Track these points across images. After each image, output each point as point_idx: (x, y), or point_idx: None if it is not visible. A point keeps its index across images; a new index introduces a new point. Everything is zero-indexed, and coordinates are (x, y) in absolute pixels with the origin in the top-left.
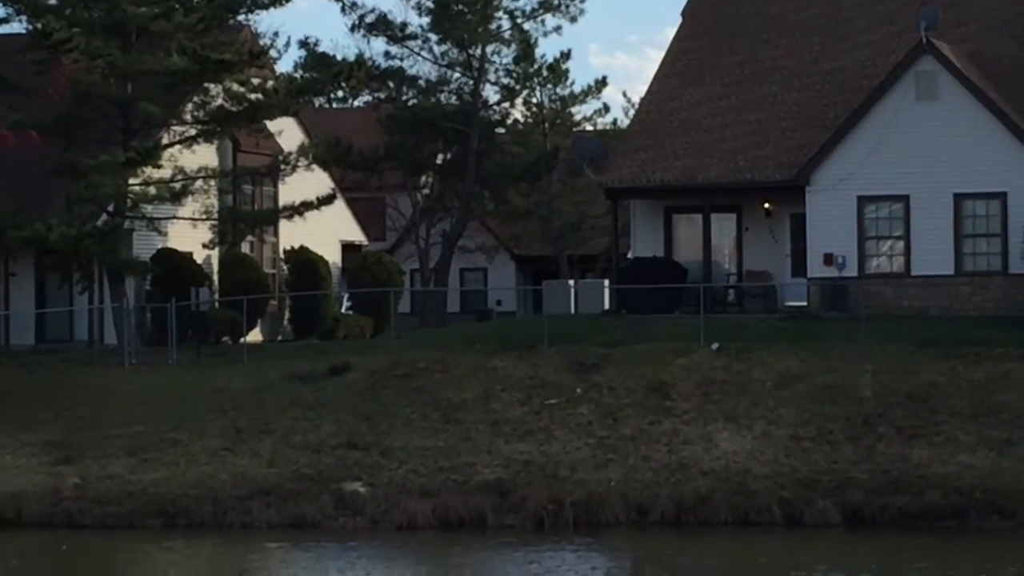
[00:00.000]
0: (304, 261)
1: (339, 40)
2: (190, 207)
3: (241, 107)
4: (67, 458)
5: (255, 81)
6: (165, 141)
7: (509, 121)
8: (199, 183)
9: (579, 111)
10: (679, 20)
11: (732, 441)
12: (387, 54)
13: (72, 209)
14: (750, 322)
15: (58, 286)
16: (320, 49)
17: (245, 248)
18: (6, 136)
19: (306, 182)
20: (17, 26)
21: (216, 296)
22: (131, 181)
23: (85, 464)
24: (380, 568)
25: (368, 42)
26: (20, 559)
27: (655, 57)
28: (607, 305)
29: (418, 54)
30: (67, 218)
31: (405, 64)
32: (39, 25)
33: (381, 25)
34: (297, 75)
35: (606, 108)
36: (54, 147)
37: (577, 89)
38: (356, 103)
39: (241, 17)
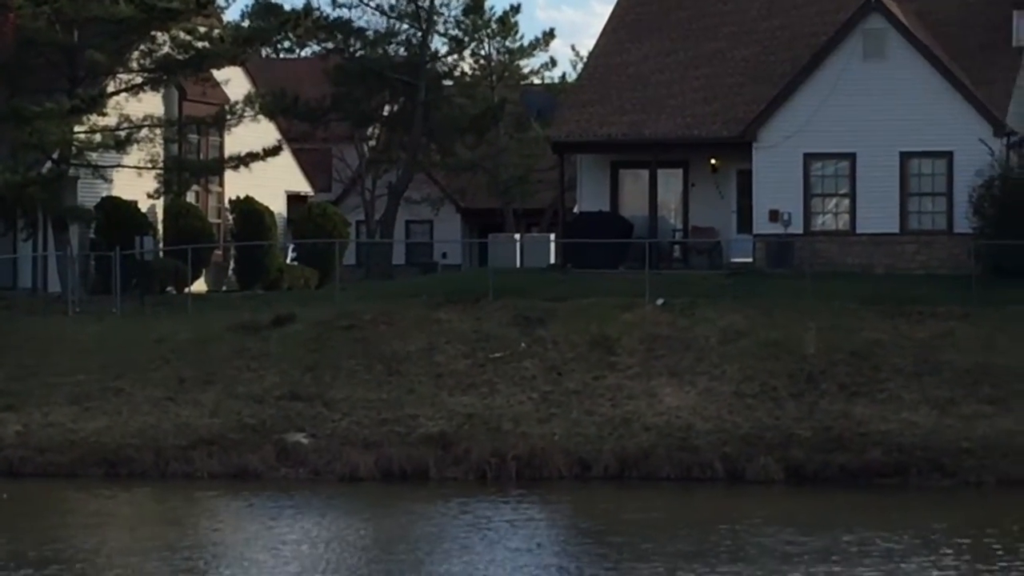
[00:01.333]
0: (249, 211)
1: None
2: (135, 155)
3: (187, 55)
4: (9, 406)
5: (202, 29)
6: (111, 89)
7: (457, 73)
8: (144, 131)
9: (527, 64)
10: None
11: (675, 397)
12: (335, 3)
13: (17, 156)
14: (695, 278)
15: (2, 233)
16: None
17: (190, 198)
18: None
19: (252, 132)
20: None
21: (160, 245)
22: (76, 129)
23: (27, 412)
24: (313, 517)
25: None
26: None
27: (601, 11)
28: (552, 259)
29: (366, 4)
30: (11, 165)
31: (353, 15)
32: None
33: None
34: (244, 24)
35: (553, 62)
36: None
37: (525, 42)
38: (303, 53)
39: None
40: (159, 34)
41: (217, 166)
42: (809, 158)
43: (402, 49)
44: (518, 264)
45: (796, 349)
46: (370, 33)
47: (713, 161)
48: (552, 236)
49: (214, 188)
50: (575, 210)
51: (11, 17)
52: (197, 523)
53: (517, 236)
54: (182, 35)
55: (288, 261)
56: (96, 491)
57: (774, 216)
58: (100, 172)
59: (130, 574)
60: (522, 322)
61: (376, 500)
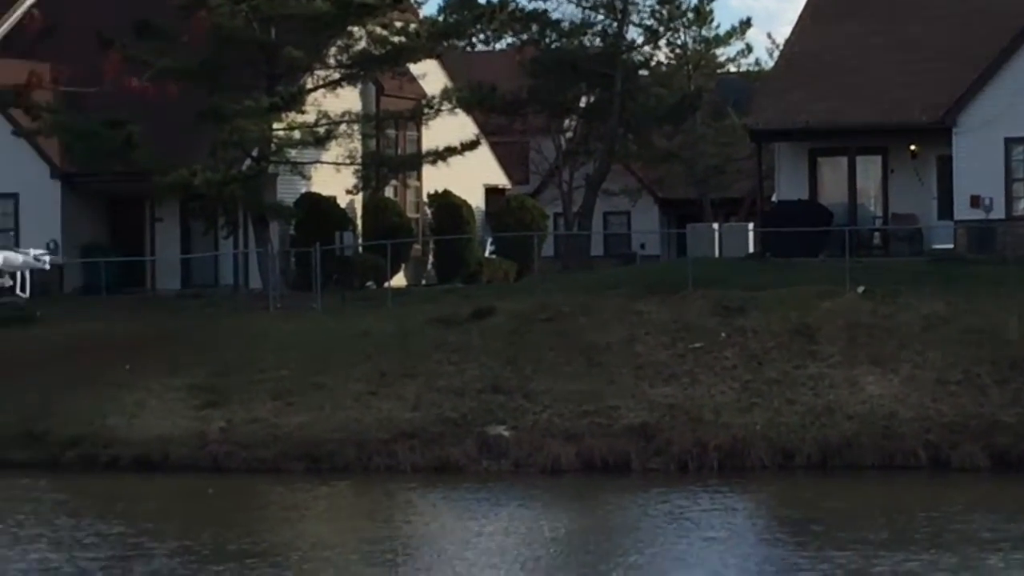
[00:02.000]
0: (448, 205)
1: None
2: (334, 151)
3: (384, 50)
4: (213, 402)
5: (398, 24)
6: (309, 85)
7: (653, 63)
8: (343, 127)
9: (723, 53)
10: None
11: (878, 385)
12: None
13: (217, 154)
14: (896, 265)
15: (203, 231)
16: None
17: (389, 192)
18: (146, 88)
19: (449, 126)
20: None
21: (360, 241)
22: (275, 126)
23: (231, 408)
24: (512, 509)
25: None
26: (169, 502)
27: None
28: (751, 248)
29: None
30: (212, 163)
31: (548, 6)
32: None
33: None
34: (440, 18)
35: (749, 49)
36: (198, 93)
37: (721, 31)
38: (499, 46)
39: None
40: (356, 29)
41: (415, 161)
42: (1010, 142)
43: (598, 40)
44: (716, 254)
45: (999, 335)
46: (565, 24)
47: (912, 147)
48: (751, 225)
49: (412, 183)
50: (773, 199)
51: (202, 17)
52: (396, 516)
53: (715, 225)
54: (379, 30)
55: (487, 254)
56: (298, 485)
57: (975, 202)
58: (299, 169)
59: (327, 567)
60: (722, 312)
61: (577, 492)
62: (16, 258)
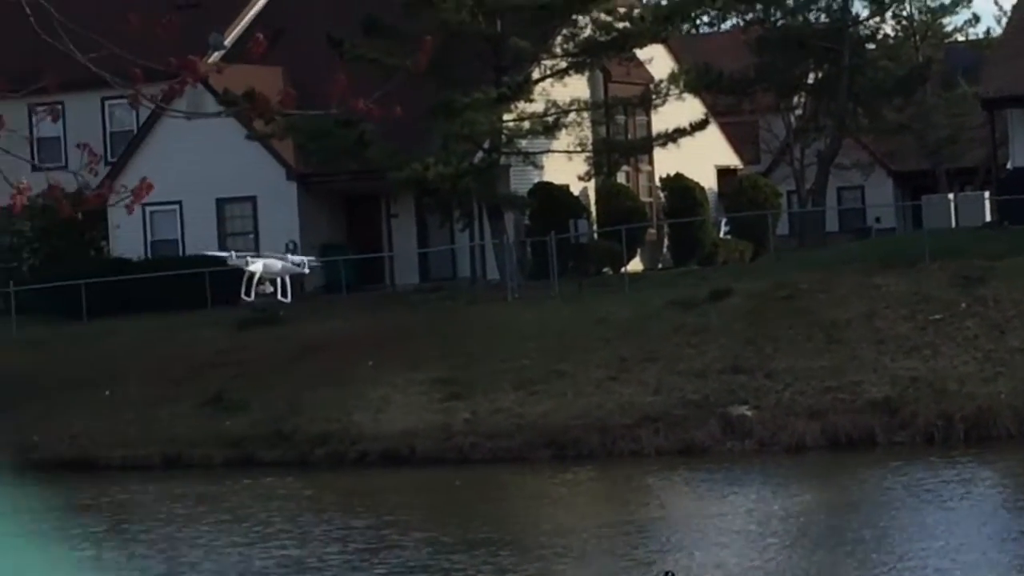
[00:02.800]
0: (680, 188)
1: None
2: (564, 140)
3: (610, 37)
4: (456, 394)
5: (622, 10)
6: (536, 75)
7: (879, 36)
8: (572, 115)
9: (950, 22)
10: None
11: None
12: None
13: (448, 147)
14: None
15: (439, 225)
16: None
17: (621, 178)
18: (371, 109)
19: (678, 109)
20: None
21: (594, 227)
22: (505, 117)
23: (474, 399)
24: (757, 489)
25: None
26: (416, 495)
27: None
28: (988, 217)
29: None
30: (444, 157)
31: None
32: None
33: None
34: (664, 1)
35: (976, 18)
36: (427, 88)
37: (947, 0)
38: (724, 27)
39: None
40: (580, 17)
41: (645, 145)
42: None
43: (823, 15)
44: (953, 224)
45: None
46: (790, 1)
47: None
48: (986, 194)
49: (644, 167)
50: (1008, 166)
51: (428, 45)
52: (639, 500)
53: (951, 196)
54: (603, 17)
55: (721, 235)
56: (543, 474)
57: None
58: (531, 158)
59: (568, 552)
60: (961, 282)
61: (821, 469)
62: (275, 264)
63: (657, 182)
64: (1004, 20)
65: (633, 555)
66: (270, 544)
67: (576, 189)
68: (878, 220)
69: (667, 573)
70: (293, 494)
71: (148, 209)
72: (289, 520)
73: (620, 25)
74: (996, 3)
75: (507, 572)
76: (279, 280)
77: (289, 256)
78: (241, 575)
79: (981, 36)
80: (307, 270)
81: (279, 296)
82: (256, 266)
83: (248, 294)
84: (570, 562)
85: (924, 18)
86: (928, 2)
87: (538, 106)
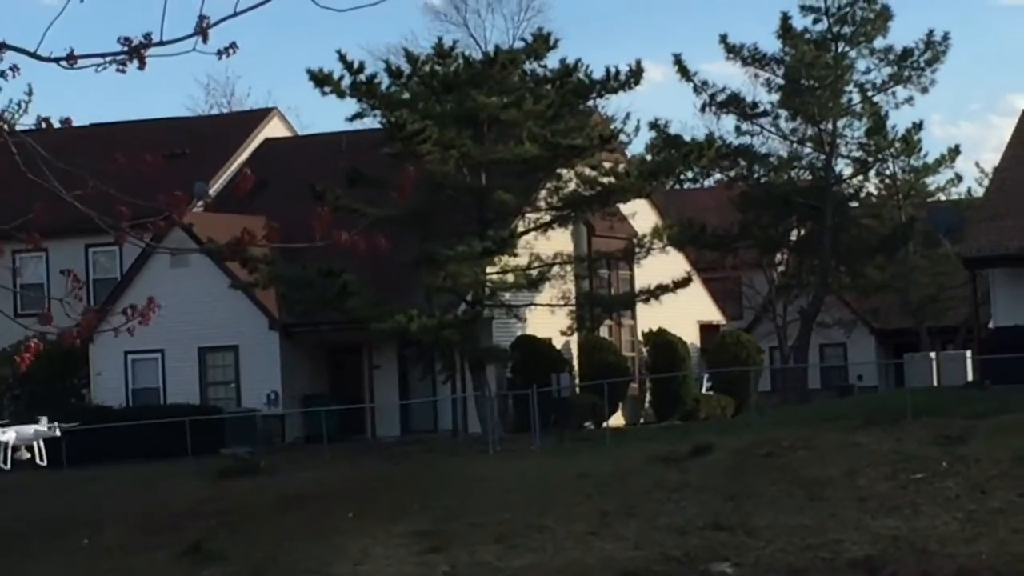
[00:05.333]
0: (663, 343)
1: (687, 120)
2: (548, 293)
3: (594, 191)
4: (436, 547)
5: (607, 165)
6: (520, 228)
7: (862, 194)
8: (555, 269)
9: (932, 181)
10: None
11: None
12: (737, 130)
13: (431, 299)
14: None
15: (421, 376)
16: (669, 130)
17: (604, 332)
18: (356, 241)
19: (661, 263)
20: (370, 121)
21: (577, 381)
22: (488, 270)
23: (454, 552)
24: None
25: (718, 119)
26: None
27: (999, 124)
28: (970, 377)
29: (768, 131)
30: (427, 309)
31: (755, 141)
32: (393, 119)
33: (731, 103)
34: (648, 157)
35: (958, 178)
36: (410, 240)
37: (929, 160)
38: (707, 183)
39: (590, 102)
40: (565, 172)
41: (628, 300)
42: None
43: (806, 173)
44: (935, 383)
45: None
46: (773, 159)
47: None
48: (968, 353)
49: (627, 321)
50: (990, 325)
51: (410, 177)
52: None
53: (932, 355)
54: (588, 171)
55: (704, 391)
56: None
57: None
58: (514, 311)
59: None
60: (943, 441)
61: None
62: (27, 431)
63: (640, 337)
64: (985, 181)
65: None
66: None
67: (559, 342)
68: (860, 378)
69: None
70: None
71: (130, 357)
72: None
73: (604, 180)
74: (977, 165)
75: None
76: (35, 445)
77: (36, 426)
78: None
79: (963, 196)
80: (58, 433)
81: (37, 460)
82: (9, 435)
83: (5, 463)
84: None
85: (907, 177)
86: (911, 162)
87: (522, 259)
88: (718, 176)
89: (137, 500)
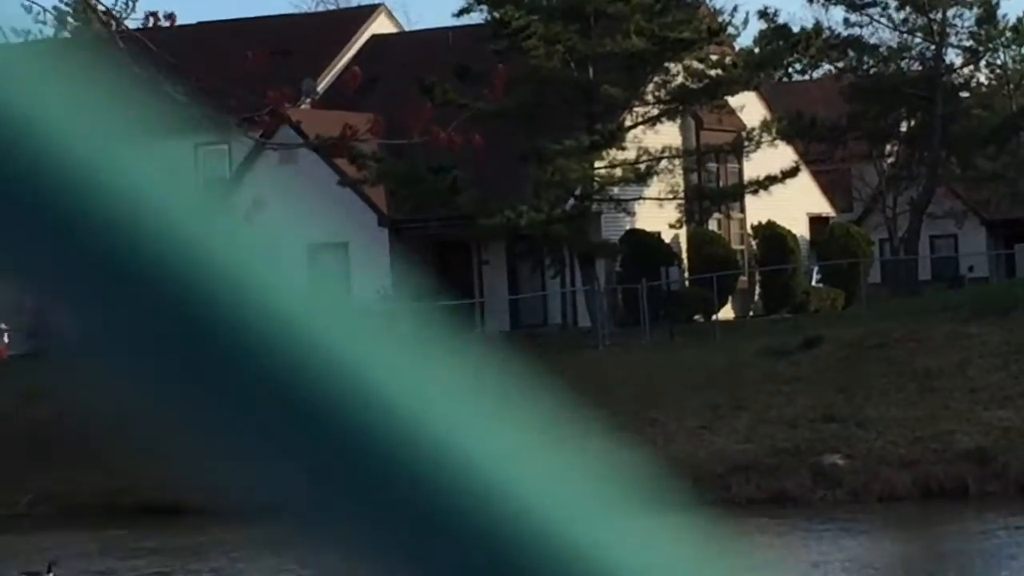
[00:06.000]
0: (772, 235)
1: (796, 12)
2: (656, 187)
3: (702, 84)
4: None
5: (714, 57)
6: (628, 122)
7: (973, 84)
8: (663, 163)
9: None
10: None
11: None
12: (846, 22)
13: (540, 195)
14: None
15: (530, 272)
16: (777, 21)
17: (712, 225)
18: (454, 137)
19: (770, 156)
20: (477, 16)
21: (686, 275)
22: (596, 164)
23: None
24: (849, 539)
25: (826, 11)
26: None
27: None
28: None
29: (878, 21)
30: (535, 204)
31: (864, 32)
32: (498, 14)
33: None
34: (756, 49)
35: None
36: (519, 135)
37: None
38: (815, 74)
39: None
40: (672, 65)
41: (737, 192)
42: None
43: (916, 63)
44: None
45: None
46: (883, 49)
47: None
48: None
49: (735, 214)
50: None
51: (503, 75)
52: (730, 550)
53: None
54: (695, 64)
55: (813, 283)
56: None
57: None
58: (622, 206)
59: None
60: None
61: (912, 519)
62: None
63: (749, 230)
64: None
65: None
66: None
67: (667, 236)
68: (971, 269)
69: None
70: None
71: None
72: None
73: (712, 72)
74: None
75: None
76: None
77: None
78: None
79: None
80: (6, 339)
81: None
82: None
83: None
84: None
85: (1018, 67)
86: (1022, 51)
87: (630, 153)
88: (827, 68)
89: None
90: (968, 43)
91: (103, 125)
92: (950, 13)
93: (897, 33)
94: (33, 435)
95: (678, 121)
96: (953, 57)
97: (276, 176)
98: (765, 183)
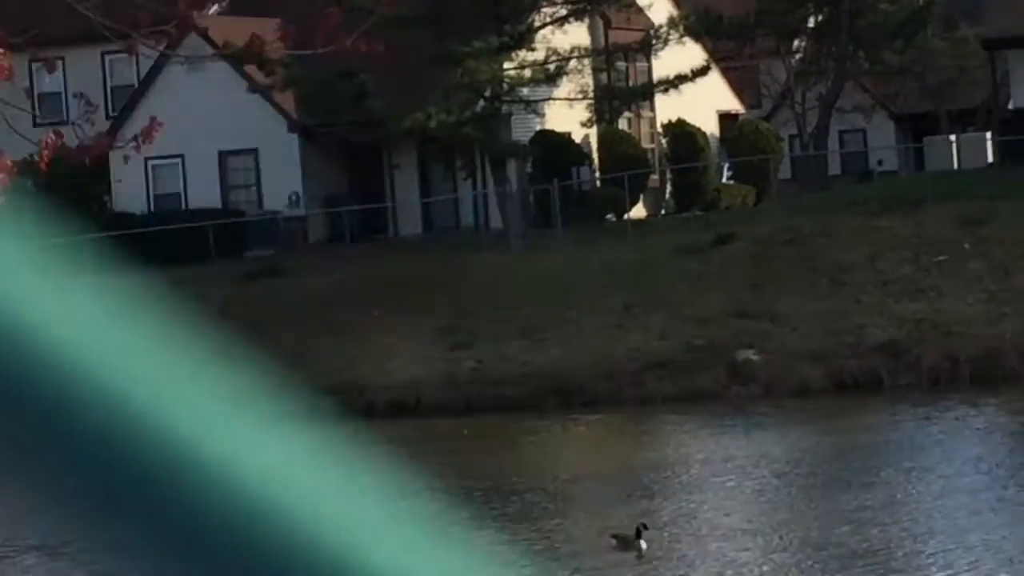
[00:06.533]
0: (682, 134)
1: None
2: (565, 87)
3: None
4: (462, 343)
5: None
6: (536, 23)
7: None
8: (572, 63)
9: None
10: None
11: None
12: None
13: (449, 97)
14: None
15: (441, 174)
16: None
17: (622, 125)
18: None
19: (679, 54)
20: None
21: (597, 174)
22: (506, 65)
23: (480, 348)
24: (763, 433)
25: None
26: (424, 444)
27: None
28: (990, 158)
29: None
30: (445, 106)
31: None
32: None
33: None
34: None
35: None
36: (427, 38)
37: None
38: None
39: None
40: None
41: (646, 91)
42: None
43: None
44: (955, 166)
45: None
46: None
47: None
48: (988, 135)
49: (645, 113)
50: (1009, 106)
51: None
52: (647, 445)
53: (952, 138)
54: None
55: (724, 180)
56: (551, 421)
57: None
58: (532, 107)
59: (581, 498)
60: (964, 223)
61: (826, 412)
62: None
63: (659, 128)
64: None
65: (651, 501)
66: None
67: (578, 136)
68: (880, 163)
69: (641, 524)
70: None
71: (150, 163)
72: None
73: None
74: None
75: (487, 519)
76: None
77: None
78: None
79: None
80: None
81: None
82: None
83: None
84: (586, 506)
85: None
86: None
87: (539, 54)
88: None
89: (162, 306)
90: None
91: None
92: None
93: None
94: None
95: (586, 21)
96: None
97: (185, 83)
98: (675, 82)
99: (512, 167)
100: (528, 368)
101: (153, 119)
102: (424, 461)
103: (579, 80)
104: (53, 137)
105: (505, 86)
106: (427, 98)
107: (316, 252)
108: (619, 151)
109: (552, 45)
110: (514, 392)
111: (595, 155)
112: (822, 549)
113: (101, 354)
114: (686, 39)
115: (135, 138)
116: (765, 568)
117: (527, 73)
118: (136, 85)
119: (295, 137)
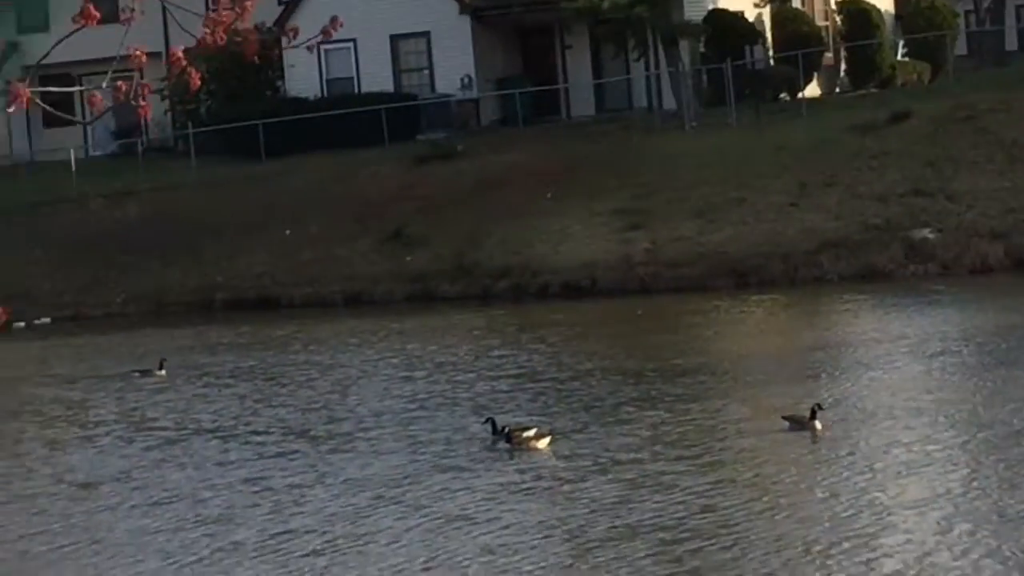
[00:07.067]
0: (856, 11)
1: None
2: None
3: None
4: (636, 224)
5: None
6: None
7: None
8: None
9: None
10: None
11: None
12: None
13: None
14: None
15: (613, 55)
16: None
17: (796, 2)
18: None
19: None
20: None
21: (770, 53)
22: None
23: (654, 229)
24: (939, 312)
25: None
26: (597, 326)
27: None
28: None
29: None
30: None
31: None
32: None
33: None
34: None
35: None
36: None
37: None
38: None
39: None
40: None
41: None
42: None
43: None
44: None
45: None
46: None
47: None
48: None
49: None
50: None
51: None
52: (820, 325)
53: None
54: None
55: (899, 57)
56: (725, 301)
57: None
58: None
59: (757, 378)
60: None
61: (1004, 291)
62: None
63: (833, 5)
64: None
65: (818, 381)
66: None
67: (751, 15)
68: None
69: (816, 405)
70: (463, 326)
71: (323, 48)
72: (474, 352)
73: None
74: None
75: (656, 399)
76: None
77: None
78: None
79: None
80: None
81: None
82: None
83: None
84: (755, 386)
85: None
86: None
87: None
88: None
89: (336, 190)
90: None
91: None
92: None
93: None
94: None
95: None
96: None
97: None
98: None
99: (684, 47)
100: (702, 249)
101: (334, 19)
102: (597, 342)
103: None
104: (225, 15)
105: None
106: None
107: (488, 134)
108: (793, 29)
109: None
110: (688, 273)
111: (768, 33)
112: (988, 428)
113: None
114: None
115: (315, 37)
116: (930, 447)
117: None
118: None
119: (467, 19)
